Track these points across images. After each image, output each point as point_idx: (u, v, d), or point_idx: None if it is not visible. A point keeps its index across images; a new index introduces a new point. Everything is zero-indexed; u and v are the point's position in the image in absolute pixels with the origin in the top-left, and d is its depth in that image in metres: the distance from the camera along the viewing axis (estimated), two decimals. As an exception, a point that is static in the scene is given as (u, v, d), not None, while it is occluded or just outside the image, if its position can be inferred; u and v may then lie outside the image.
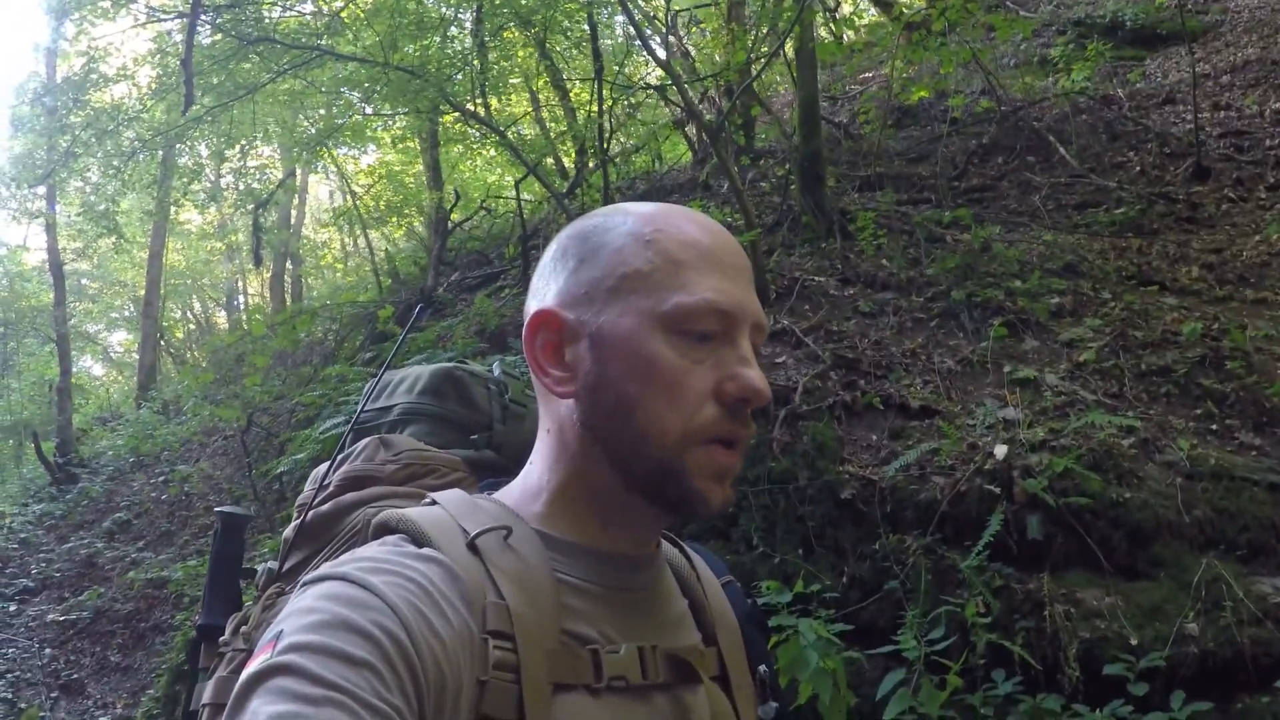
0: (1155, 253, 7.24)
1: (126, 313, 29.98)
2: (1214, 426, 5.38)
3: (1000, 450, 5.03)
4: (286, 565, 1.39)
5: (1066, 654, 4.25)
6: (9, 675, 9.85)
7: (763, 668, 1.21)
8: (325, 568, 0.99)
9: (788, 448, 5.73)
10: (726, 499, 1.05)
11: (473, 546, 1.01)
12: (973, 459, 5.14)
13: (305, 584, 0.98)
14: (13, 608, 11.40)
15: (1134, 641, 4.20)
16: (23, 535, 13.62)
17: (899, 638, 4.43)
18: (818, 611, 4.58)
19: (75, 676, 9.70)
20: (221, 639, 1.39)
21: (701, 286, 1.03)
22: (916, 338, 6.70)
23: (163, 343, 24.49)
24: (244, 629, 1.36)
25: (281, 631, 0.89)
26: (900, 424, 5.80)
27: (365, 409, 1.57)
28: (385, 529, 1.07)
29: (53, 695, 9.52)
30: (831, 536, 5.29)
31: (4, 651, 10.34)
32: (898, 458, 5.37)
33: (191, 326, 31.07)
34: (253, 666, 0.87)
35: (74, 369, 20.21)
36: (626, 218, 1.11)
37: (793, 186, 9.21)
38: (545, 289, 1.11)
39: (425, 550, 1.00)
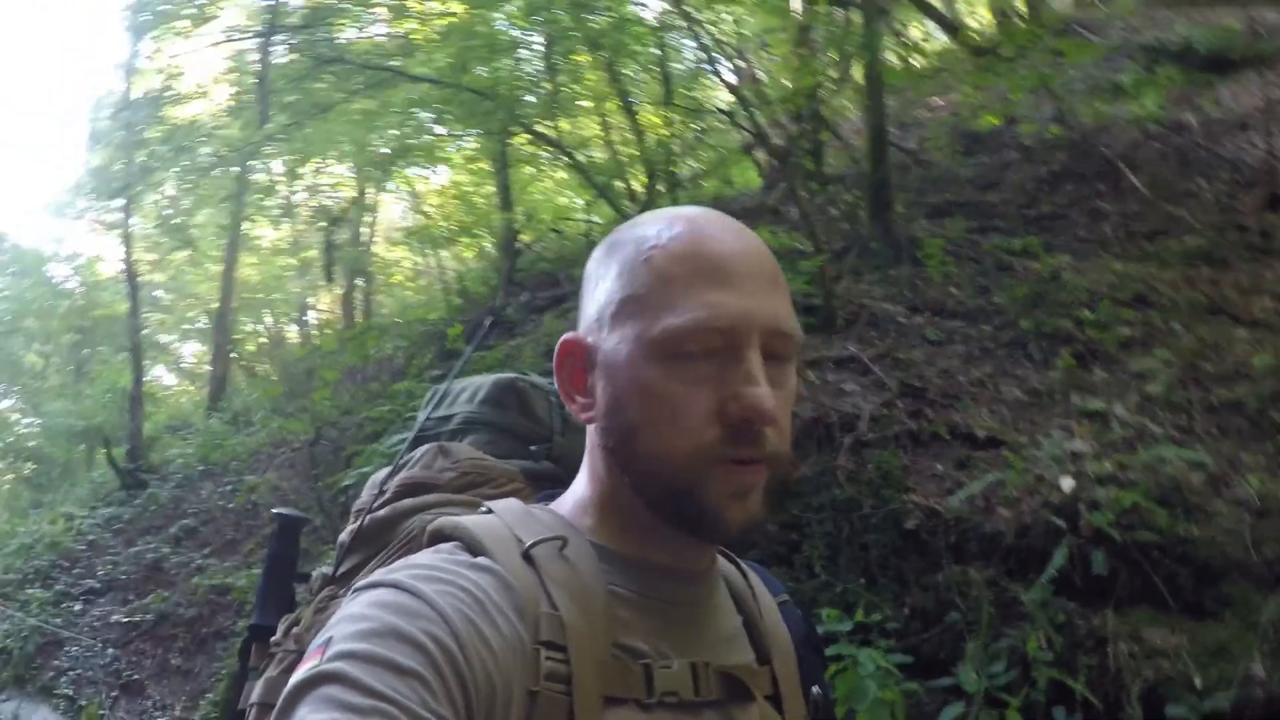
0: (1227, 283, 7.13)
1: (199, 324, 30.36)
2: (1285, 463, 5.30)
3: (1067, 483, 4.99)
4: (341, 569, 1.40)
5: (1129, 693, 4.20)
6: (72, 672, 10.03)
7: (816, 689, 1.21)
8: (378, 574, 1.00)
9: (853, 476, 5.72)
10: (748, 518, 1.03)
11: (527, 556, 1.02)
12: (1039, 491, 5.10)
13: (358, 590, 0.99)
14: (78, 607, 11.56)
15: (1198, 683, 4.12)
16: (91, 537, 13.78)
17: (959, 671, 4.42)
18: (878, 642, 4.58)
19: (136, 677, 9.83)
20: (273, 639, 1.41)
21: (691, 305, 1.01)
22: (984, 367, 6.66)
23: (234, 355, 24.76)
24: (295, 630, 1.37)
25: (331, 638, 0.90)
26: (966, 454, 5.76)
27: (427, 417, 1.58)
28: (440, 536, 1.09)
29: (113, 694, 9.68)
30: (894, 566, 5.27)
31: (68, 649, 10.53)
32: (963, 488, 5.34)
33: (263, 340, 31.37)
34: (301, 672, 0.88)
35: (146, 378, 20.47)
36: (637, 230, 1.12)
37: (861, 212, 9.20)
38: (579, 310, 1.15)
39: (480, 559, 1.02)
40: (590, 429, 1.12)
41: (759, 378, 1.01)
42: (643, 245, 1.08)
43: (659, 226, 1.09)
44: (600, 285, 1.11)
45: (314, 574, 1.48)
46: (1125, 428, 5.57)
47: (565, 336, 1.13)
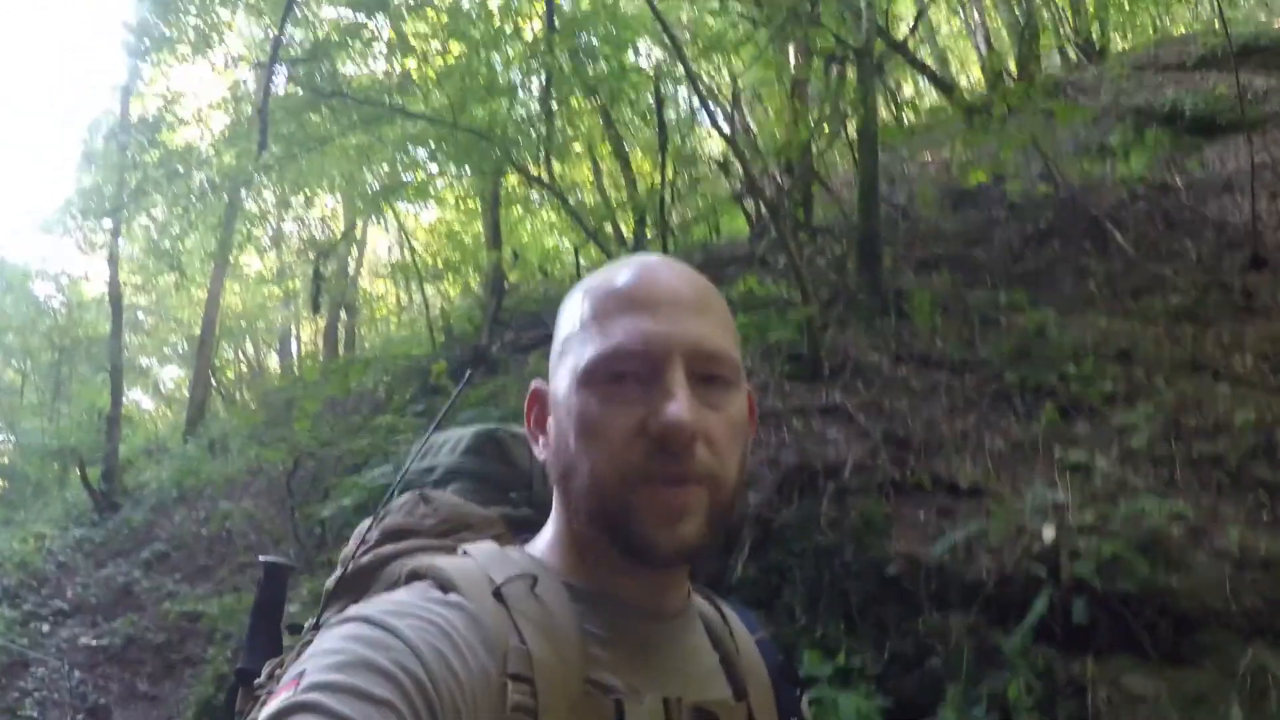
0: (1210, 340, 7.20)
1: (180, 349, 30.36)
2: (1265, 516, 5.31)
3: (1048, 533, 5.02)
4: (324, 615, 1.38)
5: (1109, 740, 4.23)
6: (37, 694, 9.91)
7: None
8: (351, 610, 1.03)
9: (835, 522, 5.74)
10: (683, 541, 1.03)
11: (498, 594, 1.04)
12: (1020, 540, 5.13)
13: (330, 625, 1.02)
14: (46, 628, 11.46)
15: (1178, 730, 4.17)
16: (61, 558, 13.70)
17: (940, 715, 4.43)
18: (858, 685, 4.58)
19: (102, 701, 9.75)
20: (256, 681, 1.41)
21: (615, 331, 1.06)
22: (968, 418, 6.70)
23: (214, 382, 24.73)
24: (278, 672, 1.37)
25: (304, 670, 0.91)
26: (949, 503, 5.78)
27: (411, 469, 1.59)
28: (416, 576, 1.11)
29: (78, 718, 9.56)
30: (874, 613, 5.27)
31: (34, 671, 10.39)
32: (945, 536, 5.36)
33: (243, 368, 31.39)
34: (275, 703, 0.89)
35: (124, 400, 20.40)
36: (583, 281, 1.18)
37: (849, 264, 9.27)
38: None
39: (450, 596, 1.03)
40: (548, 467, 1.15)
41: (677, 394, 1.02)
42: (580, 289, 1.15)
43: (608, 271, 1.15)
44: (556, 333, 1.17)
45: (305, 626, 1.50)
46: (1107, 480, 5.61)
47: (534, 384, 1.19)
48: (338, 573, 1.36)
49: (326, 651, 0.94)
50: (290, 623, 1.58)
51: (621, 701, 1.02)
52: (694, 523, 1.03)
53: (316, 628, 1.35)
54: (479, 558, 1.11)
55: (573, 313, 1.13)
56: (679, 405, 1.01)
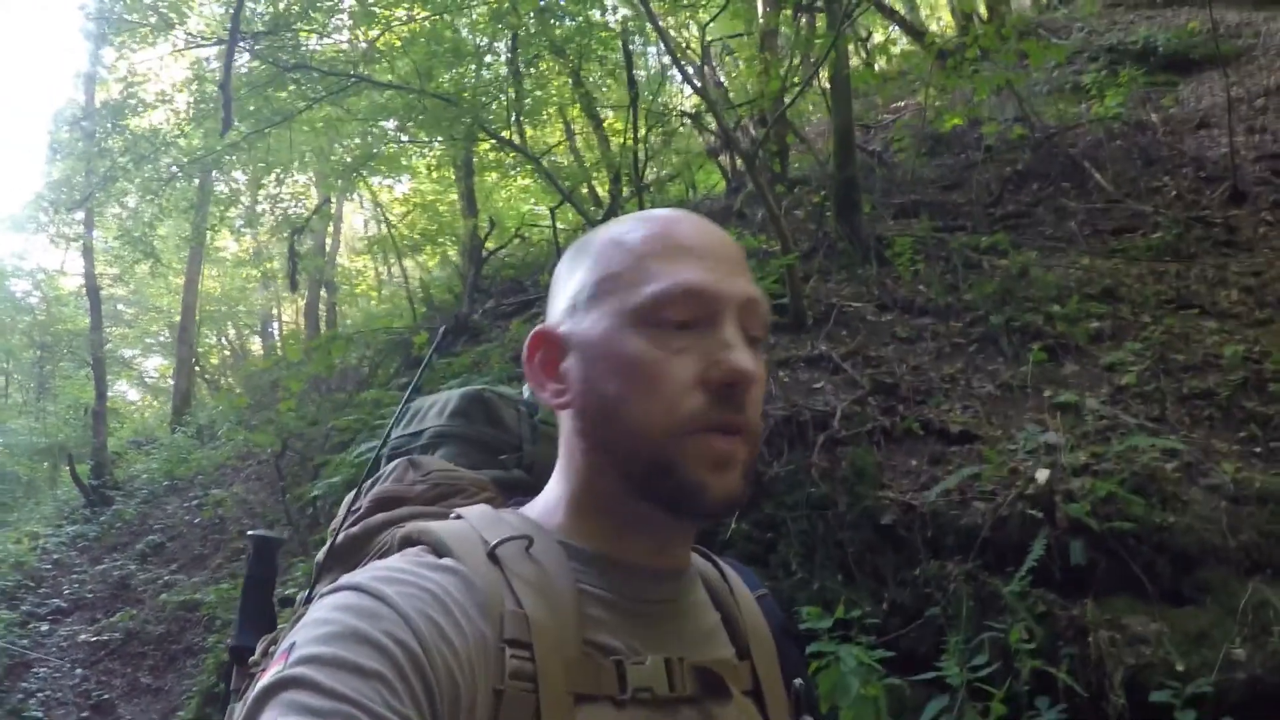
0: (1194, 276, 7.20)
1: (162, 338, 30.23)
2: (1258, 449, 5.31)
3: (1042, 475, 4.99)
4: (317, 588, 1.36)
5: (1112, 681, 4.20)
6: (40, 694, 9.89)
7: (798, 681, 1.19)
8: (342, 579, 0.99)
9: (826, 473, 5.71)
10: (730, 490, 1.02)
11: (493, 556, 1.01)
12: (1014, 484, 5.11)
13: (322, 595, 0.99)
14: (45, 627, 11.43)
15: (1180, 668, 4.14)
16: (56, 556, 13.67)
17: (941, 664, 4.41)
18: (859, 638, 4.56)
19: (106, 697, 9.72)
20: (251, 659, 1.40)
21: (672, 274, 1.03)
22: (955, 363, 6.68)
23: (198, 368, 24.65)
24: (272, 649, 1.33)
25: (294, 643, 0.90)
26: (940, 449, 5.77)
27: (398, 434, 1.58)
28: (409, 542, 1.08)
29: (83, 715, 9.56)
30: (871, 563, 5.26)
31: (36, 671, 10.38)
32: (938, 483, 5.34)
33: (226, 353, 31.30)
34: (265, 678, 0.88)
35: (110, 393, 20.34)
36: (611, 226, 1.14)
37: (828, 214, 9.23)
38: (549, 308, 1.15)
39: (444, 560, 1.01)
40: (565, 417, 1.11)
41: (738, 344, 1.02)
42: (614, 232, 1.11)
43: (630, 222, 1.12)
44: (571, 280, 1.12)
45: (298, 599, 1.46)
46: (1098, 419, 5.60)
47: (536, 329, 1.13)
48: (328, 544, 1.34)
49: (317, 622, 0.91)
50: (283, 597, 1.55)
51: (622, 662, 1.00)
52: (737, 476, 1.02)
53: (309, 602, 1.33)
54: (472, 520, 1.08)
55: (609, 255, 1.08)
56: (746, 355, 1.02)
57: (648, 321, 1.02)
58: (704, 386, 1.01)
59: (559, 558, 1.04)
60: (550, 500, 1.13)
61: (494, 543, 1.02)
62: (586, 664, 0.98)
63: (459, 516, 1.10)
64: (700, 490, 1.00)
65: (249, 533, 1.65)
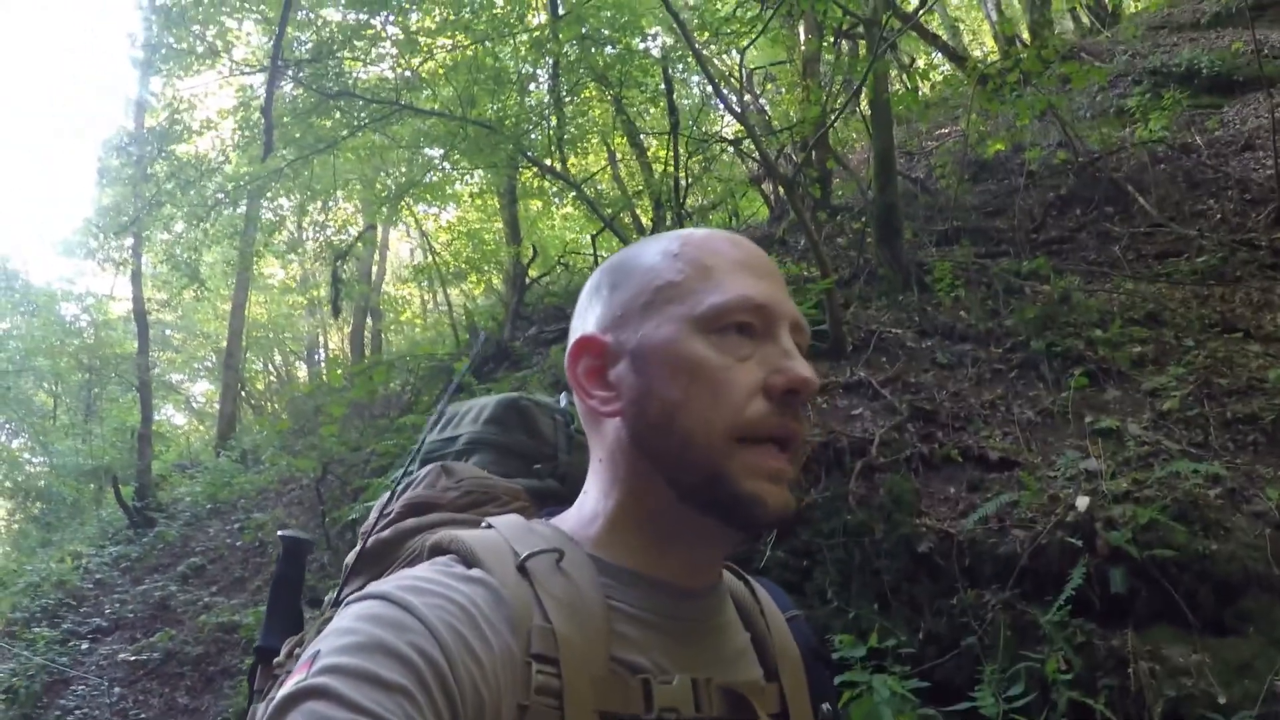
0: (1239, 300, 7.10)
1: (209, 363, 30.58)
2: (1304, 476, 5.22)
3: (1082, 502, 4.92)
4: (346, 591, 1.36)
5: (1151, 712, 4.12)
6: (78, 711, 9.94)
7: (825, 706, 1.18)
8: (370, 586, 0.99)
9: (864, 500, 5.66)
10: (784, 503, 1.02)
11: (522, 569, 1.00)
12: (1054, 511, 5.03)
13: (348, 602, 0.98)
14: (85, 646, 11.49)
15: (1222, 700, 4.05)
16: (98, 576, 13.75)
17: (977, 695, 4.34)
18: (893, 667, 4.50)
19: (143, 716, 9.75)
20: (276, 660, 1.39)
21: (734, 285, 1.04)
22: (995, 389, 6.61)
23: (243, 393, 24.87)
24: (297, 651, 1.34)
25: (319, 651, 0.89)
26: (979, 476, 5.70)
27: (433, 439, 1.57)
28: (439, 550, 1.08)
29: (120, 734, 9.61)
30: (907, 591, 5.19)
31: (75, 689, 10.44)
32: (976, 510, 5.27)
33: (272, 379, 31.59)
34: (288, 686, 0.87)
35: (155, 417, 20.52)
36: (655, 241, 1.13)
37: (869, 240, 9.19)
38: (584, 319, 1.13)
39: (473, 571, 1.00)
40: (611, 425, 1.09)
41: (797, 355, 1.04)
42: (668, 245, 1.11)
43: (673, 234, 1.13)
44: (614, 292, 1.11)
45: (326, 599, 1.45)
46: (1140, 445, 5.51)
47: (580, 334, 1.12)
48: (358, 547, 1.34)
49: (342, 631, 0.91)
50: (311, 597, 1.55)
51: (649, 681, 0.99)
52: (786, 488, 1.04)
53: (337, 604, 1.33)
54: (503, 530, 1.08)
55: (666, 265, 1.09)
56: (806, 365, 1.03)
57: (712, 329, 1.03)
58: (766, 393, 1.02)
59: (590, 573, 1.03)
60: (585, 513, 1.12)
61: (524, 555, 1.02)
62: (613, 682, 0.97)
63: (490, 526, 1.10)
64: (758, 501, 1.00)
65: (279, 533, 1.63)
